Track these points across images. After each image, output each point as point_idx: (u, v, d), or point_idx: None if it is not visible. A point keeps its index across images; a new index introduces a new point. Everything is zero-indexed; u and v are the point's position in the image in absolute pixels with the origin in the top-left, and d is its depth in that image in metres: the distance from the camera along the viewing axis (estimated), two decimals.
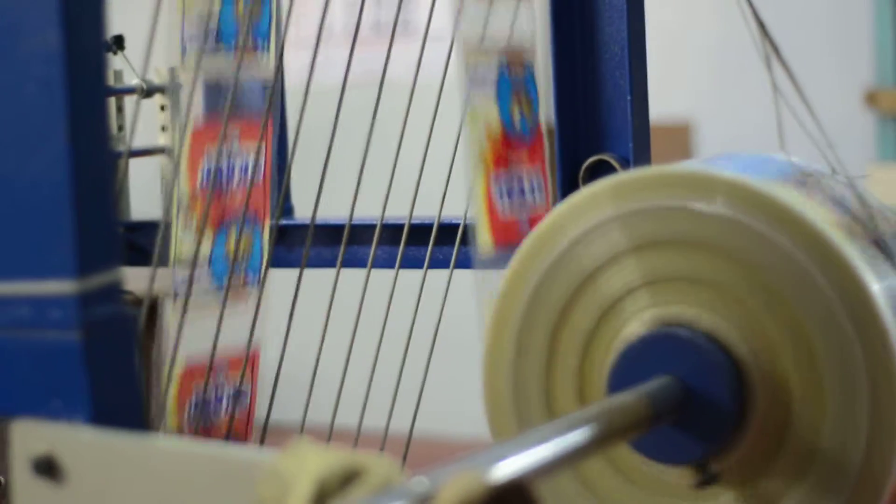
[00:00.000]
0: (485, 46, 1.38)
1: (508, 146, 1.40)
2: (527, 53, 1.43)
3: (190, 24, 1.23)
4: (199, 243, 1.24)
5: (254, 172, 1.31)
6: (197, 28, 1.22)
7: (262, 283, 1.32)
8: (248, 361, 1.31)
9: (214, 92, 1.26)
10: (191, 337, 1.23)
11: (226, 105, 1.25)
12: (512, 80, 1.41)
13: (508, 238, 1.36)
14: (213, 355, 1.26)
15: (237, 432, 1.30)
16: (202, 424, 1.26)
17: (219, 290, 1.26)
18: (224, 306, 1.26)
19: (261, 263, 1.32)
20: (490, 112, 1.37)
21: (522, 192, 1.40)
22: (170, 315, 1.22)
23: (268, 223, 1.34)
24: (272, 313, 1.32)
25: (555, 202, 1.44)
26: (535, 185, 1.42)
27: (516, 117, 1.41)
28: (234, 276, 1.27)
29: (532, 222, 1.39)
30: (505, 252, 1.29)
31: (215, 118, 1.26)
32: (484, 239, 1.35)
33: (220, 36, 1.25)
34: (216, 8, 1.25)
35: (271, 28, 1.33)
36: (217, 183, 1.27)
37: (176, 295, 1.22)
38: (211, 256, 1.26)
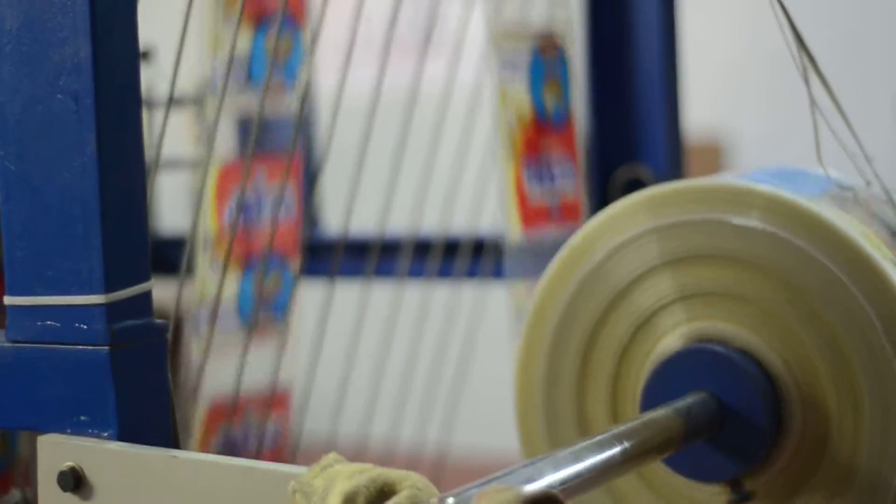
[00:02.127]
0: (517, 30, 1.36)
1: (539, 132, 1.38)
2: (560, 39, 1.41)
3: (220, 61, 1.22)
4: (221, 281, 1.23)
5: (282, 210, 1.30)
6: (226, 65, 1.22)
7: (288, 321, 1.31)
8: (277, 400, 1.29)
9: (245, 129, 1.26)
10: (216, 375, 1.22)
11: (252, 142, 1.24)
12: (545, 64, 1.39)
13: (538, 223, 1.34)
14: (237, 394, 1.24)
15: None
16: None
17: (245, 328, 1.25)
18: (249, 344, 1.25)
19: (288, 301, 1.31)
20: (521, 97, 1.36)
21: (552, 178, 1.39)
22: (194, 353, 1.21)
23: (296, 261, 1.33)
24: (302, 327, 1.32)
25: (585, 192, 1.42)
26: (565, 171, 1.41)
27: (549, 103, 1.39)
28: (260, 315, 1.26)
29: (562, 209, 1.37)
30: (534, 237, 1.28)
31: (245, 155, 1.26)
32: (513, 224, 1.33)
33: (250, 72, 1.25)
34: (247, 45, 1.24)
35: (301, 65, 1.32)
36: (244, 221, 1.26)
37: (200, 333, 1.21)
38: (238, 295, 1.25)
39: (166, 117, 1.09)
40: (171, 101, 1.08)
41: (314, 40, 1.32)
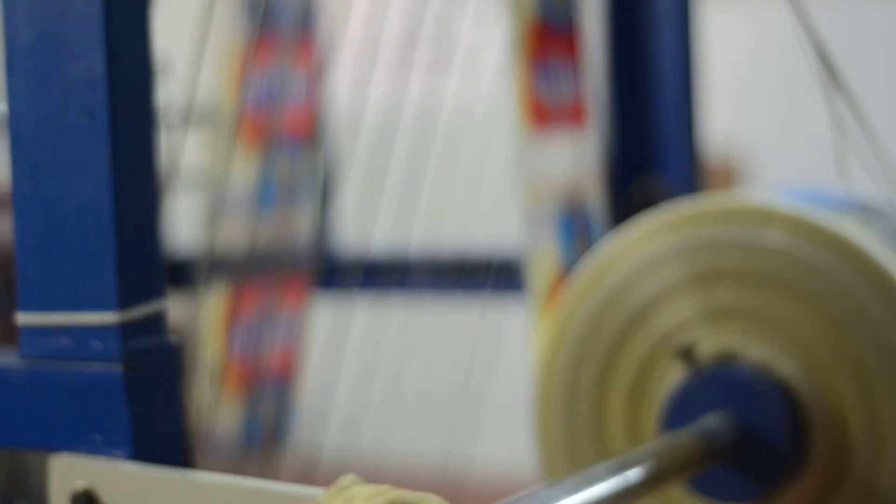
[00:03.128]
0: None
1: (546, 36, 1.40)
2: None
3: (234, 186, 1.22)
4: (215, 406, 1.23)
5: (290, 334, 1.30)
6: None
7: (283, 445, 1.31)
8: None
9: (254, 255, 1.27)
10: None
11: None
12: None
13: (544, 122, 1.35)
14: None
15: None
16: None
17: (249, 450, 1.25)
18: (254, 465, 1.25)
19: (290, 423, 1.32)
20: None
21: (558, 80, 1.40)
22: None
23: (297, 384, 1.34)
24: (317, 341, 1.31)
25: (589, 94, 1.44)
26: (570, 75, 1.42)
27: (557, 6, 1.41)
28: (265, 438, 1.27)
29: (568, 110, 1.39)
30: (540, 135, 1.28)
31: (253, 280, 1.26)
32: (522, 120, 1.34)
33: (260, 200, 1.24)
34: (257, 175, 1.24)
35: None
36: (251, 346, 1.26)
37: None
38: (246, 423, 1.25)
39: (183, 132, 1.09)
40: (188, 117, 1.07)
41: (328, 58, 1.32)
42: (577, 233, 1.40)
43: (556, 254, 1.37)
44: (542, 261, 1.35)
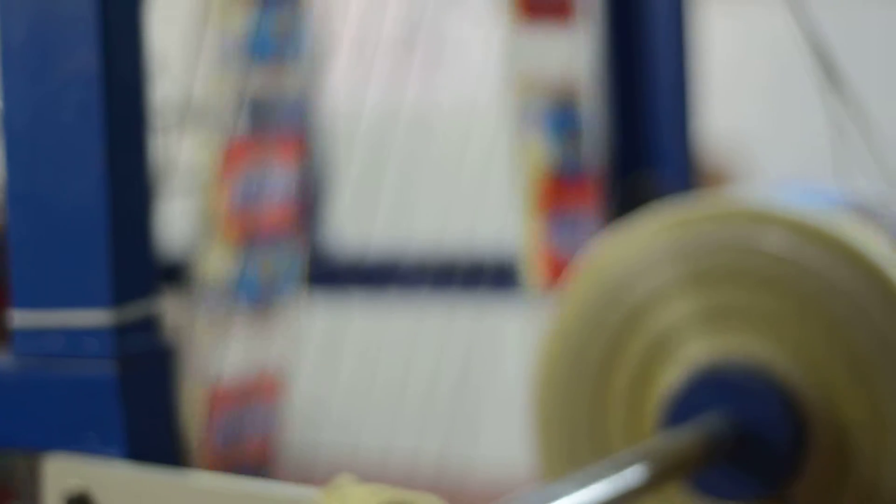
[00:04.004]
0: (535, 83, 1.37)
1: (559, 185, 1.38)
2: (577, 90, 1.42)
3: (225, 40, 1.21)
4: (225, 262, 1.22)
5: (287, 192, 1.29)
6: (231, 44, 1.21)
7: (293, 306, 1.30)
8: (276, 385, 1.29)
9: (251, 109, 1.25)
10: (219, 359, 1.21)
11: (260, 122, 1.24)
12: (562, 118, 1.40)
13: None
14: (238, 377, 1.24)
15: (265, 454, 1.28)
16: (230, 445, 1.24)
17: (248, 310, 1.25)
18: (254, 328, 1.24)
19: (293, 285, 1.31)
20: (539, 151, 1.36)
21: (574, 231, 1.39)
22: (197, 337, 1.20)
23: (302, 244, 1.33)
24: (314, 343, 1.31)
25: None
26: (587, 224, 1.41)
27: (567, 156, 1.40)
28: (264, 298, 1.26)
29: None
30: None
31: (249, 136, 1.25)
32: (534, 278, 1.33)
33: (254, 50, 1.24)
34: (252, 24, 1.23)
35: (305, 41, 1.32)
36: (248, 202, 1.25)
37: (204, 316, 1.20)
38: (240, 277, 1.24)
39: (179, 129, 1.08)
40: (183, 115, 1.07)
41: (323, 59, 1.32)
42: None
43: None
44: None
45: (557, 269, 1.36)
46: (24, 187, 0.88)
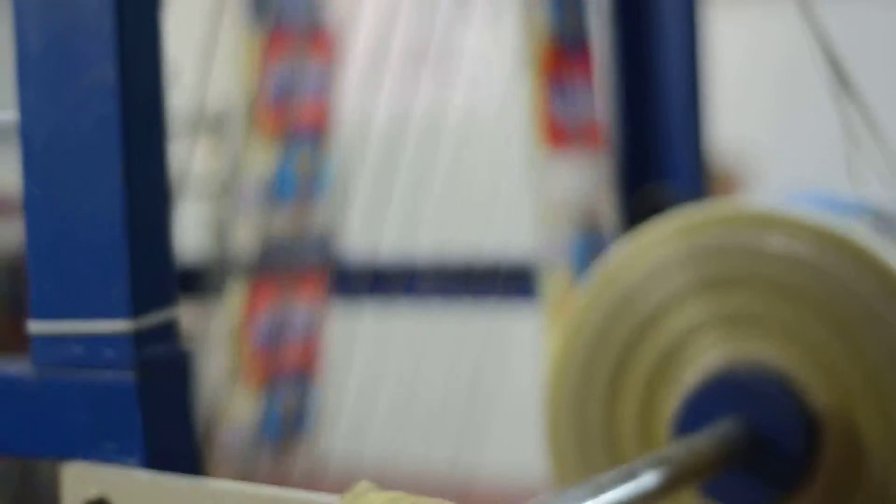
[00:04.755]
0: None
1: (560, 55, 1.40)
2: None
3: (248, 184, 1.23)
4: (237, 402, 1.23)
5: (310, 329, 1.31)
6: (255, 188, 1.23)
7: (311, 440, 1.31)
8: None
9: (270, 249, 1.27)
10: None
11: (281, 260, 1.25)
12: None
13: (560, 143, 1.36)
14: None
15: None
16: None
17: (270, 446, 1.25)
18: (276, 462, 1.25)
19: (312, 419, 1.32)
20: (542, 20, 1.38)
21: (574, 100, 1.40)
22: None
23: (322, 375, 1.34)
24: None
25: (603, 113, 1.44)
26: (585, 96, 1.42)
27: (568, 27, 1.41)
28: (285, 434, 1.26)
29: (584, 131, 1.39)
30: (556, 156, 1.29)
31: (271, 275, 1.26)
32: (537, 140, 1.35)
33: (277, 192, 1.26)
34: (275, 167, 1.25)
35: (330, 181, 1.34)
36: (272, 339, 1.27)
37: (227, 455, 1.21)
38: (263, 416, 1.25)
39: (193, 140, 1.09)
40: (198, 124, 1.08)
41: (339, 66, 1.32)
42: (592, 254, 1.41)
43: (572, 275, 1.38)
44: (558, 281, 1.35)
45: (557, 134, 1.38)
46: (42, 198, 0.89)
